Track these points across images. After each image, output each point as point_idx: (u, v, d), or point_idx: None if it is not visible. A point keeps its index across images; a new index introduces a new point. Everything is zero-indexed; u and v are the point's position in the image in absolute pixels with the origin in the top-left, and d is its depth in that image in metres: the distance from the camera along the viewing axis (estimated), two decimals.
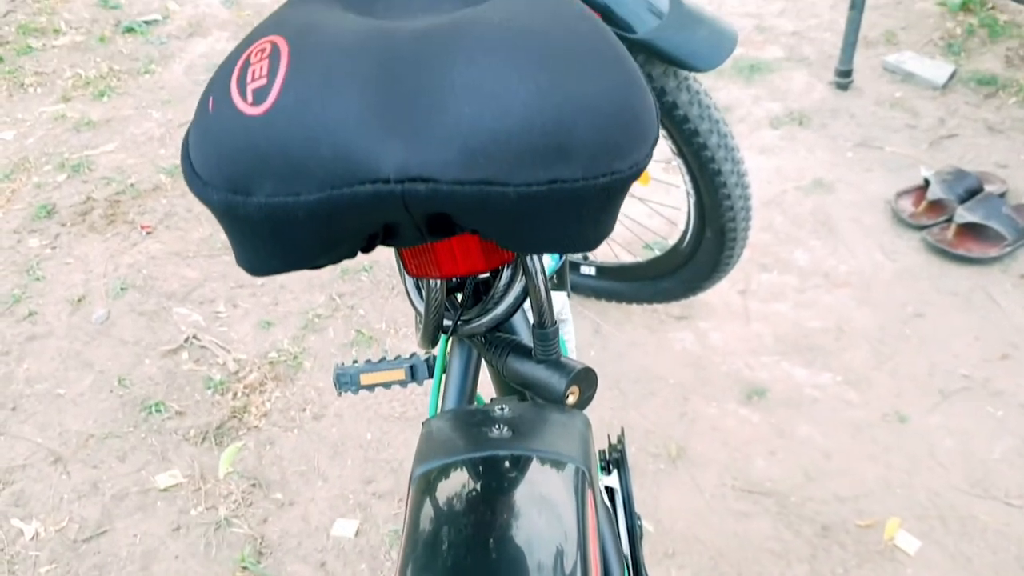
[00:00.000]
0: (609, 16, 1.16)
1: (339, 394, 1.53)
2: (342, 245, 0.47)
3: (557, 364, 0.62)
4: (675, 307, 1.80)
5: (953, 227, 1.89)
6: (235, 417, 1.63)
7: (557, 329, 0.62)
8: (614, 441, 0.89)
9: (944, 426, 1.56)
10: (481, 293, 0.66)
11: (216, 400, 1.66)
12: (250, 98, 0.43)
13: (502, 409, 0.58)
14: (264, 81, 0.43)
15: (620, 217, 1.84)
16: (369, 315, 1.82)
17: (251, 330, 1.80)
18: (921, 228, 1.95)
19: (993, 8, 2.64)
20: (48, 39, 2.73)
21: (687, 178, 1.37)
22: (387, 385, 1.14)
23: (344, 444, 1.59)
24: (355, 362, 1.20)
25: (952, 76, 2.41)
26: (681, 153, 1.32)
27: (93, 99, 2.45)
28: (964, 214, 1.89)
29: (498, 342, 0.66)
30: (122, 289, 1.87)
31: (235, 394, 1.67)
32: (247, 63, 0.45)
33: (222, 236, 1.99)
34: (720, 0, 2.82)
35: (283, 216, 0.44)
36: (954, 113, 2.30)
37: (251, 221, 0.44)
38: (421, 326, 0.62)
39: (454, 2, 0.50)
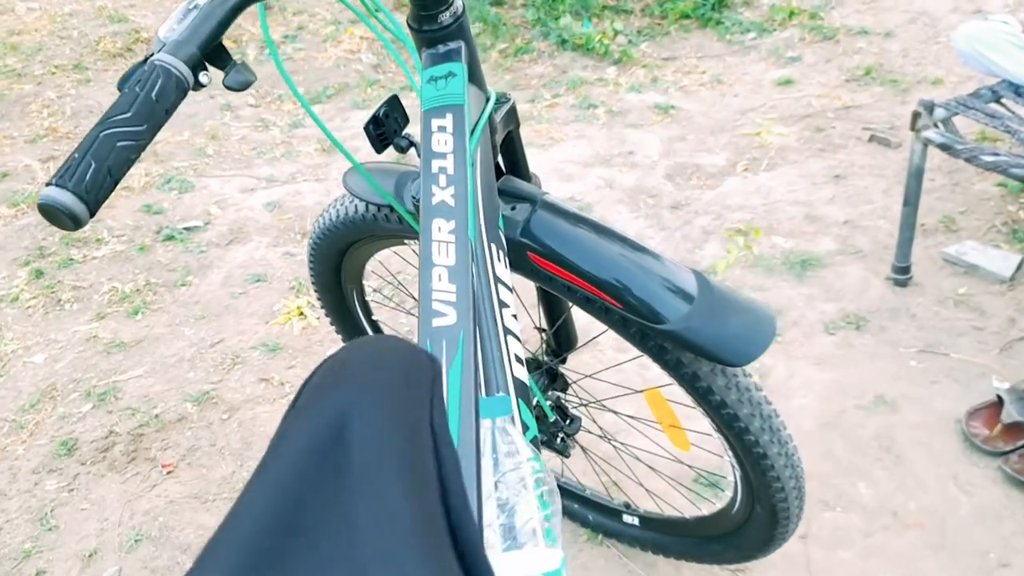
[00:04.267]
0: (629, 305, 1.05)
1: None
2: None
3: None
4: None
5: None
6: None
7: None
8: None
9: None
10: None
11: None
12: None
13: None
14: None
15: (659, 474, 1.69)
16: None
17: None
18: (998, 455, 1.77)
19: None
20: (90, 249, 2.73)
21: (731, 454, 1.24)
22: None
23: None
24: None
25: (1019, 267, 2.27)
26: (722, 432, 1.19)
27: (127, 316, 2.41)
28: None
29: None
30: (136, 541, 1.76)
31: None
32: None
33: (244, 474, 1.89)
34: (768, 187, 2.73)
35: None
36: None
37: None
38: None
39: None
